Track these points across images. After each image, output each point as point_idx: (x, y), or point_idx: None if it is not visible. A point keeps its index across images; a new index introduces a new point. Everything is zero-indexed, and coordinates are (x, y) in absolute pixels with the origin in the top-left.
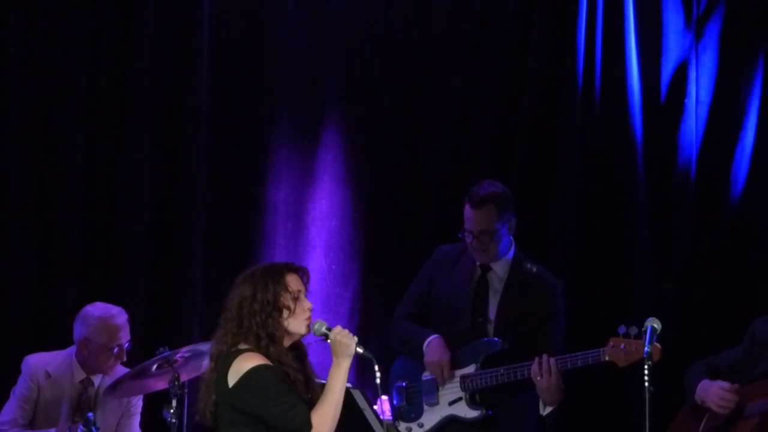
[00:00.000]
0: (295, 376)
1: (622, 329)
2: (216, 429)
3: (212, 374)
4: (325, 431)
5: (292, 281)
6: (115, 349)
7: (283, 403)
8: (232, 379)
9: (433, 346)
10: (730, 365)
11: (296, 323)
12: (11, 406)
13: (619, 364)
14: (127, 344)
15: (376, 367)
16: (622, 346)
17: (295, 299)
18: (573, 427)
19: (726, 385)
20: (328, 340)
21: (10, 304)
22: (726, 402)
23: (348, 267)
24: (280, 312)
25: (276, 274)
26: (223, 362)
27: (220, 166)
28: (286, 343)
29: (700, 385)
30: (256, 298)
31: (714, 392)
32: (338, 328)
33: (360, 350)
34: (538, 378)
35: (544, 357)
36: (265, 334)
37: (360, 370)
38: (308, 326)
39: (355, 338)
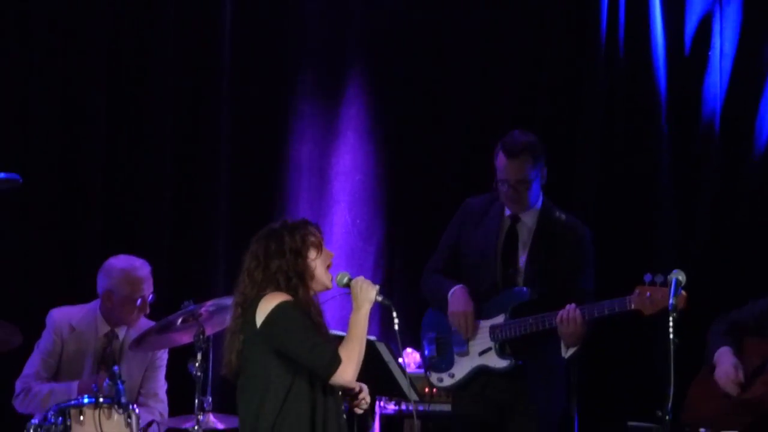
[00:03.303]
0: (317, 320)
1: (647, 277)
2: (240, 377)
3: (237, 321)
4: (351, 370)
5: (315, 231)
6: (138, 301)
7: (311, 339)
8: (260, 318)
9: (456, 296)
10: (754, 319)
11: (321, 268)
12: (34, 359)
13: (645, 312)
14: (150, 296)
15: (394, 314)
16: (648, 294)
17: (321, 244)
18: (599, 379)
19: (739, 376)
20: (350, 290)
21: (34, 258)
22: (728, 389)
23: (372, 221)
24: (308, 250)
25: (299, 224)
26: (249, 307)
27: (243, 121)
28: (310, 291)
29: (717, 352)
30: (284, 242)
31: (721, 372)
32: (360, 278)
33: (379, 298)
34: (561, 324)
35: (569, 306)
36: (295, 274)
37: (385, 325)
38: (331, 278)
39: (377, 286)
